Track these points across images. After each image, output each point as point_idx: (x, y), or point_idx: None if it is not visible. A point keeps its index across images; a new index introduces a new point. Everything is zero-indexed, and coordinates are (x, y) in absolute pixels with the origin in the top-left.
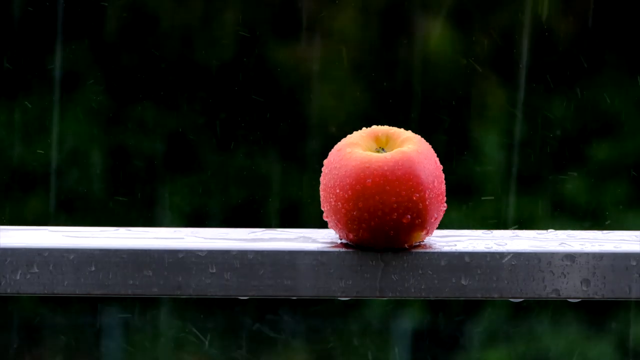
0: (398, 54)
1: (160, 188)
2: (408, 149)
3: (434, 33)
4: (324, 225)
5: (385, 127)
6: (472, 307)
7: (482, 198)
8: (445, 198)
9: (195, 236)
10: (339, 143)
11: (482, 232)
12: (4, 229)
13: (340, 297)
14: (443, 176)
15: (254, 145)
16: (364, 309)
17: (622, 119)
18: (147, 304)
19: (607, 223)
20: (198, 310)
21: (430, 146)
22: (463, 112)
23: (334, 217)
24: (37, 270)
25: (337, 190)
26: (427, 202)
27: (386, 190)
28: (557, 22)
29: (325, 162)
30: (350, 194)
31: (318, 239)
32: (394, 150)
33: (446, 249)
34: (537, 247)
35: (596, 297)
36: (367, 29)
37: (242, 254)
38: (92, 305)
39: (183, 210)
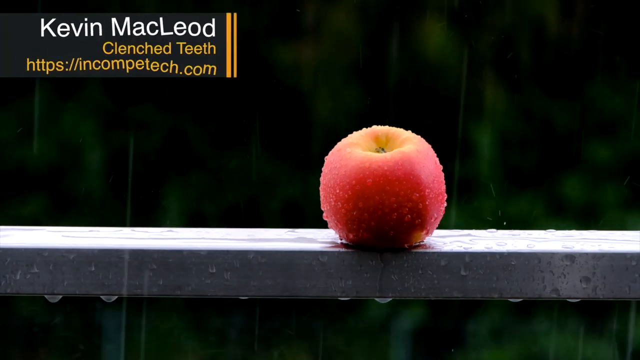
0: (397, 54)
1: (160, 188)
2: (408, 149)
3: (433, 33)
4: (324, 225)
5: (385, 127)
6: (472, 307)
7: (482, 198)
8: (445, 198)
9: (195, 236)
10: (339, 143)
11: (482, 232)
12: (4, 229)
13: (340, 297)
14: (443, 176)
15: (254, 145)
16: (364, 309)
17: (622, 119)
18: (146, 303)
19: (606, 223)
20: (198, 310)
21: (430, 146)
22: (462, 112)
23: (334, 217)
24: (37, 270)
25: (337, 190)
26: (427, 202)
27: (386, 190)
28: (556, 22)
29: (325, 162)
30: (350, 194)
31: (318, 239)
32: (393, 150)
33: (446, 249)
34: (537, 247)
35: (596, 297)
36: (366, 28)
37: (242, 254)
38: (92, 305)
39: (183, 211)
